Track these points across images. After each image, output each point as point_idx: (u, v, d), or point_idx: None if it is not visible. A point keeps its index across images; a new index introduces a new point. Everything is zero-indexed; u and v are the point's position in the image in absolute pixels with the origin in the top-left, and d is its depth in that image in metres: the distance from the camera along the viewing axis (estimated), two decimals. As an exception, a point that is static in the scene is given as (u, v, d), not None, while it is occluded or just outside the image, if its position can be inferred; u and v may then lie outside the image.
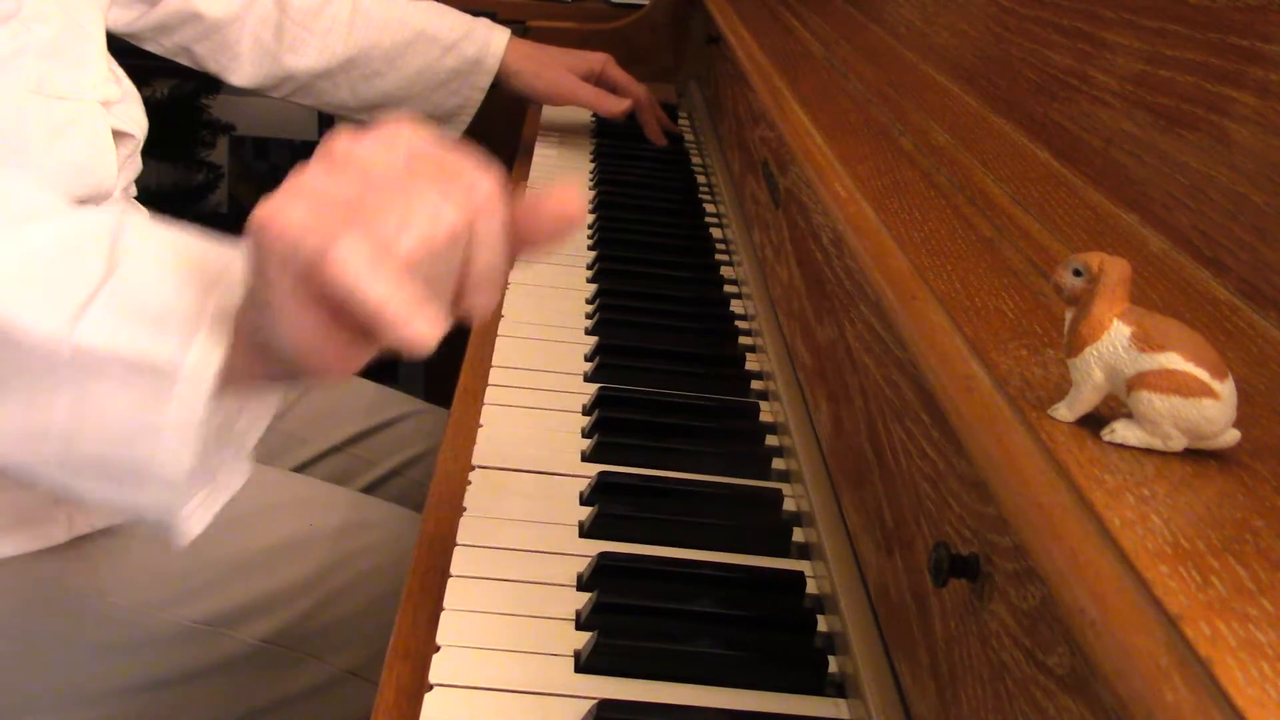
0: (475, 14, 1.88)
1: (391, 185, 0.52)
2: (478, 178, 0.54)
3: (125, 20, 1.16)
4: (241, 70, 1.26)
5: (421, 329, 0.50)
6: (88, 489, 0.59)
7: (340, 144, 0.53)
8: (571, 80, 1.40)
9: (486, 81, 1.37)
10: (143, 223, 0.60)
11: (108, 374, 0.55)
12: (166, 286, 0.56)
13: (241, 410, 0.59)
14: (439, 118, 1.40)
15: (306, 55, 1.27)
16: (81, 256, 0.57)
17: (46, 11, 0.87)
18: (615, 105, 1.40)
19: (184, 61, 1.23)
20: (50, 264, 0.57)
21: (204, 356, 0.54)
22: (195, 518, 0.59)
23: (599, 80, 1.43)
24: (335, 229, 0.49)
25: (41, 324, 0.55)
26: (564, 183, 0.59)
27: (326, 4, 1.28)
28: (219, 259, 0.58)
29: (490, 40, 1.35)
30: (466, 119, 1.40)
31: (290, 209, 0.50)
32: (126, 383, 0.55)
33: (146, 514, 0.59)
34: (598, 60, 1.44)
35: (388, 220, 0.51)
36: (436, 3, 1.35)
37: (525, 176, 1.36)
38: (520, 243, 0.57)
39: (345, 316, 0.51)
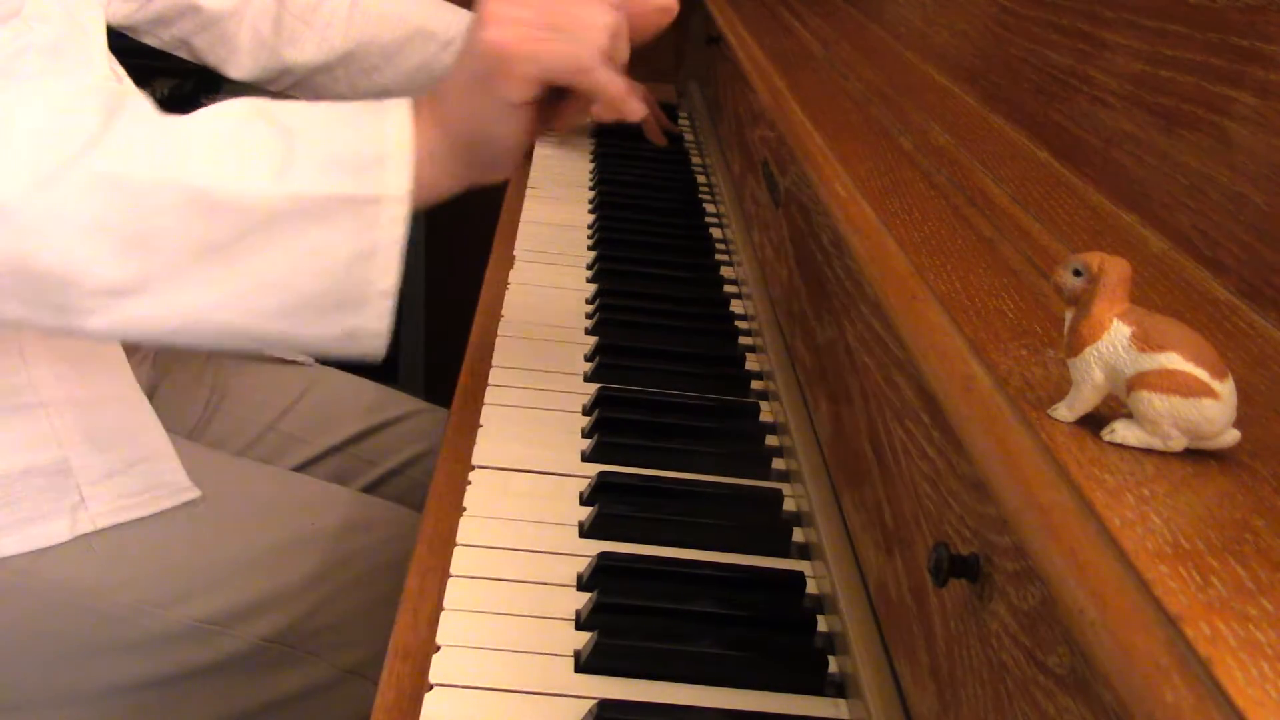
0: (475, 14, 1.88)
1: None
2: None
3: (124, 13, 1.16)
4: (240, 63, 1.26)
5: (636, 104, 0.77)
6: (306, 329, 0.70)
7: None
8: None
9: None
10: (273, 101, 0.73)
11: (320, 215, 0.67)
12: (343, 136, 0.70)
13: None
14: None
15: (305, 49, 1.28)
16: (250, 128, 0.69)
17: (48, 10, 0.87)
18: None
19: (182, 54, 1.23)
20: (231, 140, 0.68)
21: (398, 180, 0.69)
22: (389, 324, 0.72)
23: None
24: (589, 50, 0.73)
25: (254, 186, 0.66)
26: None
27: None
28: (367, 106, 0.73)
29: None
30: None
31: (542, 40, 0.72)
32: (339, 218, 0.68)
33: (362, 333, 0.71)
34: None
35: (596, 37, 0.73)
36: None
37: (525, 176, 1.36)
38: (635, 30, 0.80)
39: (544, 113, 0.75)
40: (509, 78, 0.72)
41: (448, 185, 0.73)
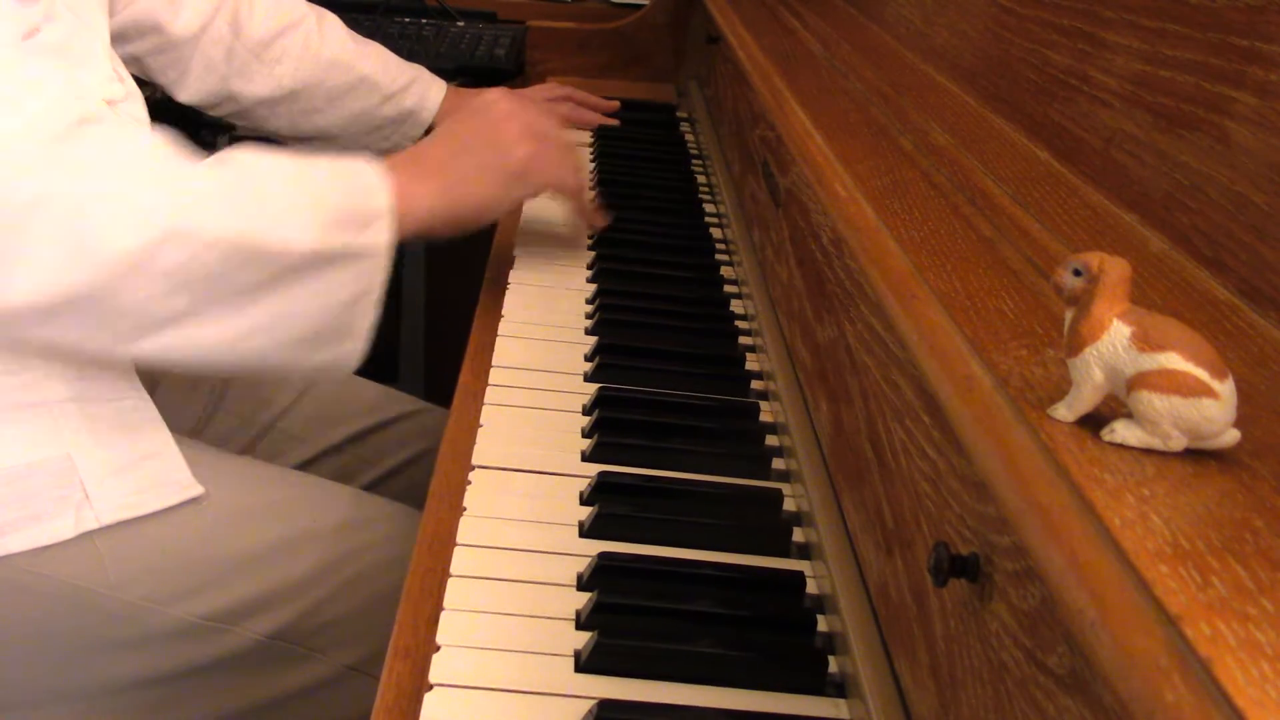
0: (476, 15, 1.88)
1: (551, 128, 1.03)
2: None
3: None
4: (188, 87, 1.29)
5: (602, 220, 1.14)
6: (305, 357, 0.83)
7: (515, 100, 1.02)
8: None
9: (418, 133, 1.43)
10: (290, 157, 0.84)
11: (334, 264, 0.80)
12: (347, 192, 0.82)
13: None
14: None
15: (253, 82, 1.30)
16: (283, 183, 0.81)
17: (56, 10, 0.87)
18: None
19: (131, 71, 1.24)
20: (270, 194, 0.79)
21: (386, 236, 0.82)
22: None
23: None
24: (575, 175, 1.05)
25: (288, 237, 0.78)
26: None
27: (279, 36, 1.30)
28: (345, 162, 0.86)
29: (428, 94, 1.42)
30: None
31: (554, 163, 1.01)
32: (345, 268, 0.80)
33: (341, 362, 0.84)
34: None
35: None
36: (386, 50, 1.40)
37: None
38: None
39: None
40: (530, 186, 1.00)
41: (422, 236, 0.91)
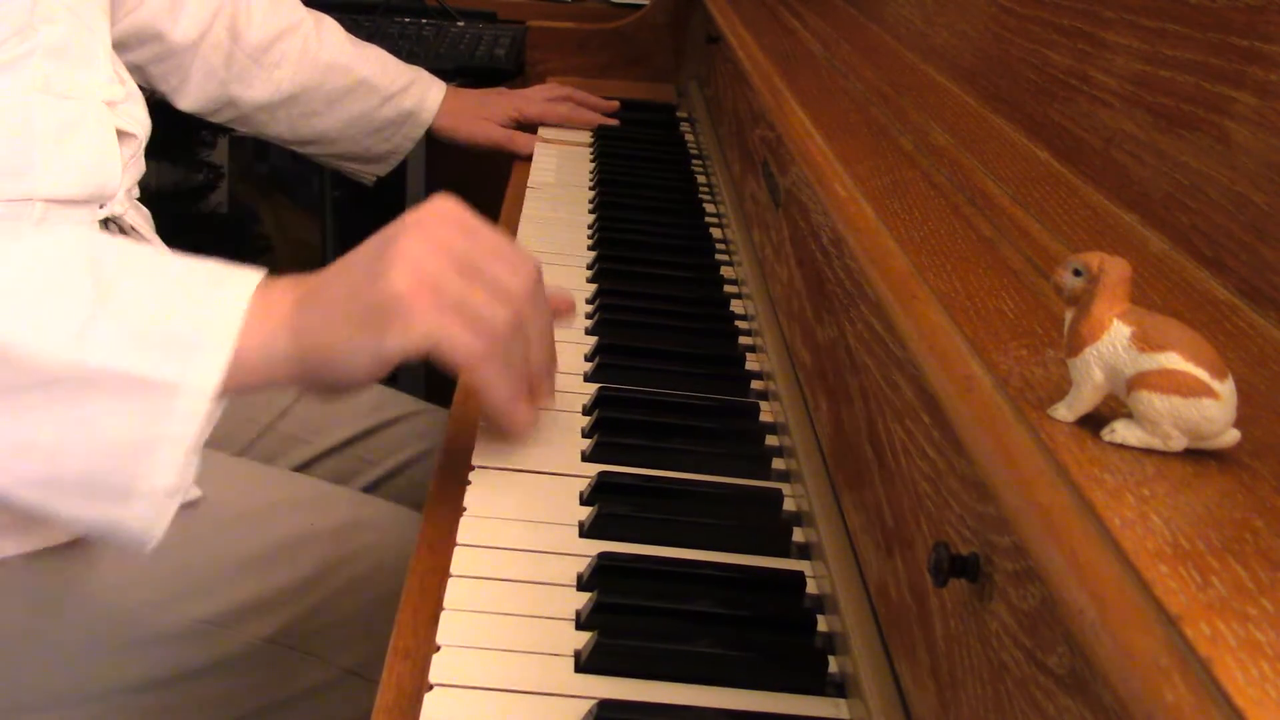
0: (476, 15, 1.88)
1: (478, 274, 0.66)
2: (526, 269, 0.68)
3: None
4: (188, 94, 1.29)
5: (521, 421, 0.71)
6: (66, 506, 0.61)
7: (446, 226, 0.67)
8: (486, 127, 1.48)
9: (419, 133, 1.45)
10: (115, 242, 0.65)
11: (107, 390, 0.58)
12: (160, 306, 0.60)
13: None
14: (369, 159, 1.46)
15: (252, 87, 1.31)
16: (67, 275, 0.60)
17: (54, 12, 0.87)
18: (524, 146, 1.49)
19: (134, 79, 1.24)
20: (39, 283, 0.60)
21: (205, 375, 0.59)
22: (163, 524, 0.63)
23: (522, 118, 1.52)
24: (480, 339, 0.65)
25: (46, 342, 0.58)
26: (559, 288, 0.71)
27: (277, 40, 1.31)
28: (206, 277, 0.64)
29: (427, 95, 1.43)
30: (395, 163, 1.48)
31: (439, 313, 0.63)
32: (126, 399, 0.58)
33: (123, 527, 0.61)
34: (522, 100, 1.53)
35: (501, 334, 0.66)
36: (384, 52, 1.41)
37: (525, 177, 1.37)
38: None
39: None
40: (400, 337, 0.63)
41: (280, 383, 0.65)
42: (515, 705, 0.58)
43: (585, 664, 0.61)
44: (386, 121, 1.40)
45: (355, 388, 0.65)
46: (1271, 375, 0.49)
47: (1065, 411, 0.45)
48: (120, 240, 0.64)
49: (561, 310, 0.79)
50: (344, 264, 0.67)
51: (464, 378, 0.67)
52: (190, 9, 1.25)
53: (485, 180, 1.49)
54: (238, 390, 0.62)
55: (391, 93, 1.39)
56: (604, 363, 0.92)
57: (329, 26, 1.37)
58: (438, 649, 0.61)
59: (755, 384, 0.93)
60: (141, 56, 1.24)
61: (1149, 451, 0.43)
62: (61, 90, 0.87)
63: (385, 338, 0.63)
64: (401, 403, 1.21)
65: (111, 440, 0.59)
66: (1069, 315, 0.45)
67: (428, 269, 0.64)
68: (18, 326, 0.58)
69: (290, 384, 0.65)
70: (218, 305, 0.62)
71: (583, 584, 0.67)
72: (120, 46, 1.20)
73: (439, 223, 0.67)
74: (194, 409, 0.60)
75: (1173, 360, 0.41)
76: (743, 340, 1.00)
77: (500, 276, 0.67)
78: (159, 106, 1.19)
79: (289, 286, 0.66)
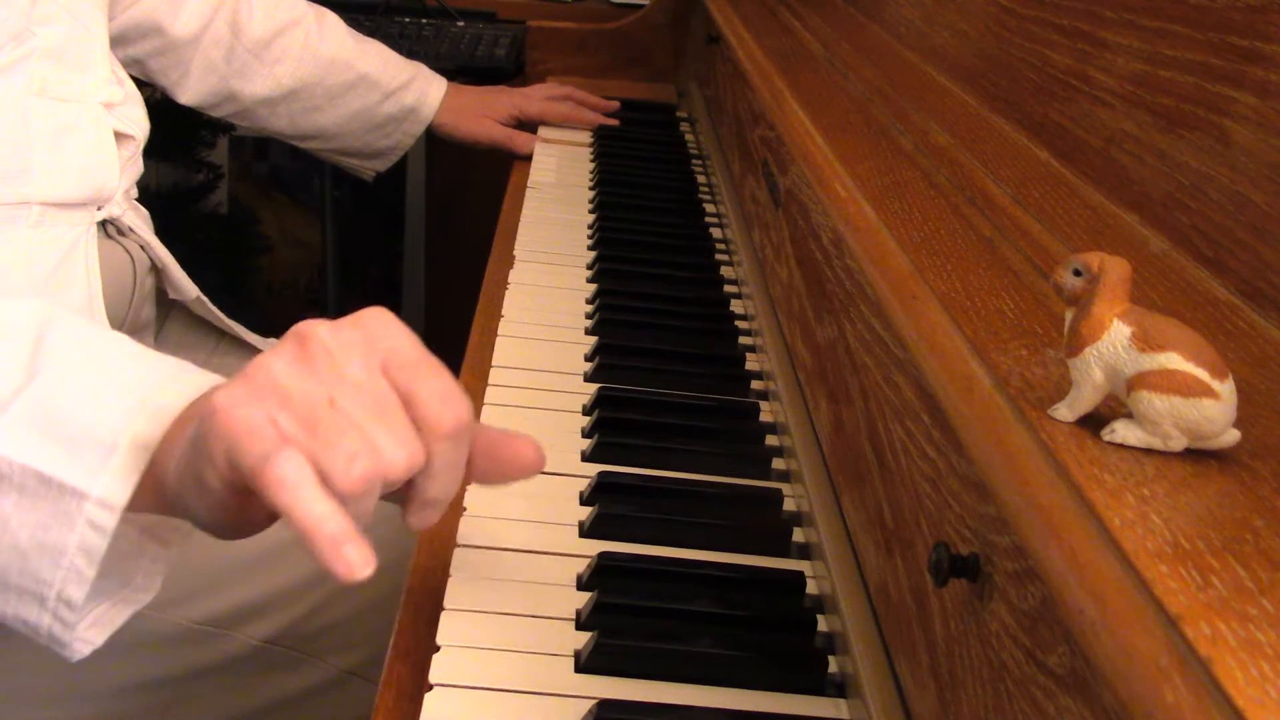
0: (475, 15, 1.88)
1: (359, 395, 0.50)
2: (451, 401, 0.52)
3: None
4: (189, 88, 1.29)
5: (351, 558, 0.48)
6: None
7: (321, 334, 0.51)
8: (486, 125, 1.48)
9: (419, 130, 1.45)
10: (74, 326, 0.59)
11: (14, 486, 0.54)
12: (87, 404, 0.55)
13: (162, 523, 0.59)
14: (369, 154, 1.46)
15: (253, 82, 1.31)
16: (5, 348, 0.56)
17: (52, 14, 0.87)
18: (524, 146, 1.49)
19: (132, 74, 1.24)
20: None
21: (116, 485, 0.53)
22: (93, 634, 0.57)
23: (523, 117, 1.52)
24: (286, 436, 0.48)
25: None
26: (522, 435, 0.58)
27: (279, 35, 1.31)
28: (146, 380, 0.57)
29: (428, 92, 1.42)
30: (395, 159, 1.48)
31: (246, 407, 0.49)
32: (35, 498, 0.54)
33: (40, 629, 0.56)
34: (523, 99, 1.53)
35: (341, 442, 0.49)
36: (385, 48, 1.41)
37: (525, 178, 1.37)
38: (474, 473, 0.57)
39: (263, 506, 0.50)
40: (209, 453, 0.50)
41: (163, 509, 0.57)
42: (515, 705, 0.58)
43: (585, 664, 0.61)
44: (387, 117, 1.40)
45: (222, 529, 0.55)
46: (1271, 375, 0.49)
47: (1065, 411, 0.45)
48: (78, 323, 0.59)
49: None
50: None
51: (266, 499, 0.49)
52: (191, 3, 1.25)
53: (485, 180, 1.49)
54: (150, 510, 0.56)
55: (393, 89, 1.38)
56: (604, 363, 0.92)
57: (331, 21, 1.37)
58: (438, 649, 0.61)
59: (755, 384, 0.93)
60: (141, 50, 1.24)
61: (1149, 451, 0.43)
62: (59, 93, 0.87)
63: (200, 462, 0.51)
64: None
65: (17, 539, 0.55)
66: (1069, 315, 0.45)
67: (259, 380, 0.51)
68: None
69: (193, 520, 0.56)
70: (141, 415, 0.55)
71: (583, 584, 0.67)
72: (120, 40, 1.20)
73: (314, 351, 0.52)
74: (100, 520, 0.53)
75: (1173, 360, 0.41)
76: (743, 340, 1.00)
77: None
78: (158, 107, 1.19)
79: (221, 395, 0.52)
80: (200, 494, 0.52)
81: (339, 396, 0.50)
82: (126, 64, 1.23)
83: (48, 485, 0.54)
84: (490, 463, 0.57)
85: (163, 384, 0.56)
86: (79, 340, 0.58)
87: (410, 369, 0.52)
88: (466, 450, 0.54)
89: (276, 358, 0.51)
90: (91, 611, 0.57)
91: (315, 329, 0.52)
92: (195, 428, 0.51)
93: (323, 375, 0.50)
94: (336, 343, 0.51)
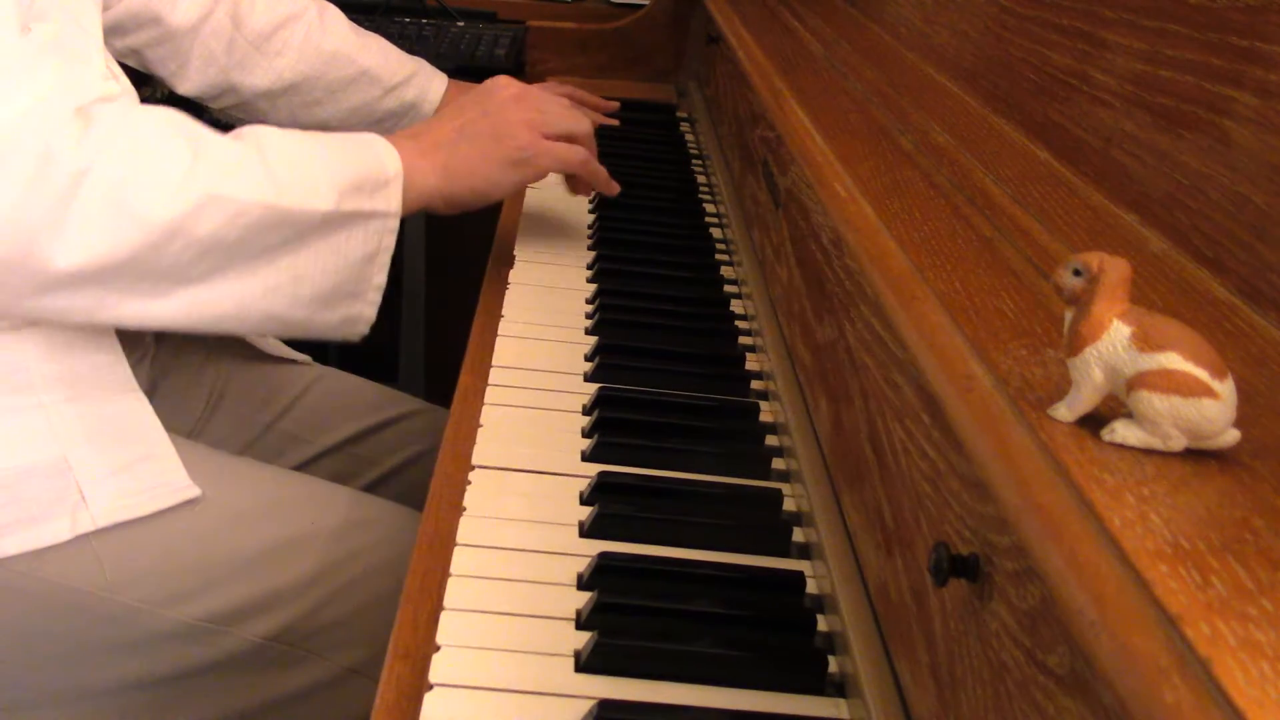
0: (475, 15, 1.88)
1: (556, 103, 1.09)
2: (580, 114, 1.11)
3: None
4: (189, 79, 1.28)
5: (615, 183, 1.14)
6: (316, 314, 0.87)
7: (516, 89, 1.06)
8: None
9: None
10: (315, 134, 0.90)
11: (344, 225, 0.86)
12: (356, 161, 0.89)
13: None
14: None
15: (253, 74, 1.30)
16: (306, 151, 0.86)
17: (47, 10, 0.87)
18: None
19: (130, 63, 1.23)
20: (297, 161, 0.85)
21: (394, 200, 0.89)
22: (375, 310, 0.91)
23: None
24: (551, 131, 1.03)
25: (311, 203, 0.84)
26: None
27: (280, 28, 1.30)
28: (360, 141, 0.92)
29: (429, 88, 1.42)
30: None
31: (531, 130, 1.02)
32: (356, 227, 0.87)
33: (354, 320, 0.90)
34: None
35: (576, 122, 1.09)
36: (387, 43, 1.40)
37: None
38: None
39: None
40: (532, 170, 1.02)
41: (424, 209, 0.97)
42: (515, 705, 0.58)
43: (585, 664, 0.61)
44: (388, 113, 1.40)
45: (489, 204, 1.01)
46: (1271, 375, 0.49)
47: (1065, 411, 0.45)
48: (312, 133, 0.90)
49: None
50: (461, 125, 0.99)
51: (578, 173, 1.09)
52: None
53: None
54: (405, 210, 0.91)
55: (393, 84, 1.38)
56: (604, 363, 0.92)
57: (332, 15, 1.36)
58: (438, 649, 0.61)
59: (755, 384, 0.93)
60: (139, 40, 1.23)
61: (1149, 451, 0.43)
62: None
63: (524, 174, 1.02)
64: (401, 403, 1.21)
65: (353, 259, 0.87)
66: (1069, 315, 0.45)
67: (537, 118, 1.03)
68: (293, 197, 0.83)
69: (436, 208, 0.97)
70: (387, 159, 0.91)
71: (583, 584, 0.67)
72: (118, 30, 1.19)
73: (515, 85, 1.06)
74: (392, 225, 0.89)
75: (1173, 360, 0.41)
76: (743, 340, 1.00)
77: (564, 115, 1.07)
78: (157, 105, 1.19)
79: (411, 143, 0.95)
80: (510, 187, 1.02)
81: (548, 105, 1.06)
82: (124, 54, 1.22)
83: (363, 217, 0.87)
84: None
85: (372, 141, 0.93)
86: (327, 137, 0.91)
87: (556, 104, 1.09)
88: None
89: (530, 115, 1.03)
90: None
91: (511, 86, 1.06)
92: (507, 159, 1.00)
93: (535, 101, 1.05)
94: (526, 89, 1.07)
